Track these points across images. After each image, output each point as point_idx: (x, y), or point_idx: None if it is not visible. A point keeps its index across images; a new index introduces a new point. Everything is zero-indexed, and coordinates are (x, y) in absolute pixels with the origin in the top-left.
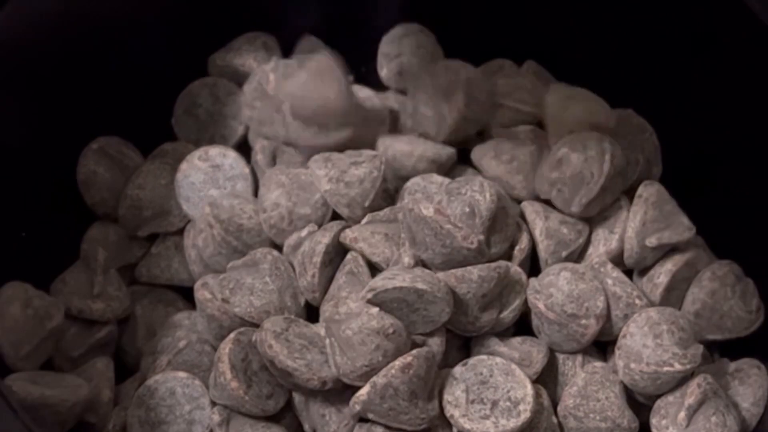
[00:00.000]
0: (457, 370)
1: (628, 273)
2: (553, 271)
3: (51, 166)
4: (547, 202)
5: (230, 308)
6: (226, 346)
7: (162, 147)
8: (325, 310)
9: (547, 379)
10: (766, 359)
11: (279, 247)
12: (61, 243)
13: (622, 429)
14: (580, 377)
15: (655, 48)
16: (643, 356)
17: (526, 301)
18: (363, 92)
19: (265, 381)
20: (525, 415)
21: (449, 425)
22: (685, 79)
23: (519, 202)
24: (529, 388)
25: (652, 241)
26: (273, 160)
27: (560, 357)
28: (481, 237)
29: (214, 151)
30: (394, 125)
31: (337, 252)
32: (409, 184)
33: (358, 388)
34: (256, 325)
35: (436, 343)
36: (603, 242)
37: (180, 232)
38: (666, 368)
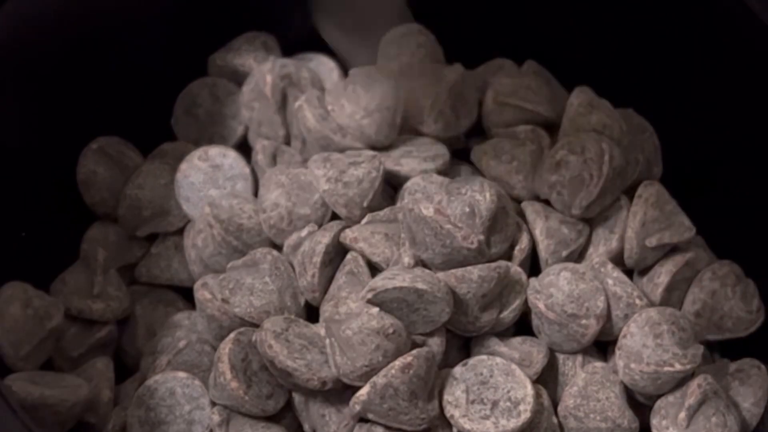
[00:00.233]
0: (457, 370)
1: (629, 273)
2: (554, 271)
3: (51, 166)
4: (548, 202)
5: (230, 308)
6: (226, 346)
7: (162, 147)
8: (325, 310)
9: (548, 379)
10: (767, 359)
11: (279, 247)
12: (61, 243)
13: (623, 429)
14: (580, 377)
15: (655, 48)
16: (643, 356)
17: (526, 301)
18: None
19: (265, 381)
20: (525, 416)
21: (449, 425)
22: (685, 79)
23: (519, 202)
24: (530, 389)
25: (652, 241)
26: (273, 160)
27: (560, 357)
28: (481, 237)
29: (214, 151)
30: None
31: (337, 252)
32: (409, 183)
33: (358, 388)
34: (256, 325)
35: (436, 343)
36: (603, 242)
37: (180, 232)
38: (666, 368)
